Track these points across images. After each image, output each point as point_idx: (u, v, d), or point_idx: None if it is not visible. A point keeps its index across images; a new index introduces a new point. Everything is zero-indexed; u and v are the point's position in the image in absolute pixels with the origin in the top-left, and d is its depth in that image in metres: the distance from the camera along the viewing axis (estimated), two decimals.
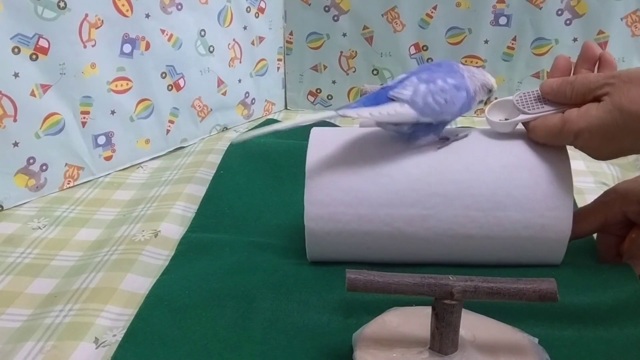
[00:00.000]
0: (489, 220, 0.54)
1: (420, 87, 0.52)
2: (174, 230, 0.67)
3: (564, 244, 0.55)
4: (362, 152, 0.56)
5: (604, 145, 0.51)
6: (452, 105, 0.53)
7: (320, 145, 0.57)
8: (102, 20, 0.80)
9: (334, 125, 0.96)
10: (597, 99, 0.50)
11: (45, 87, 0.76)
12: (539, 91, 0.55)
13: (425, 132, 0.55)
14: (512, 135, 0.56)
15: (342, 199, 0.54)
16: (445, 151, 0.55)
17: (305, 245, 0.57)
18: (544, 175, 0.54)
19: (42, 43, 0.74)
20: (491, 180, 0.54)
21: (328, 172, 0.55)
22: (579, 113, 0.50)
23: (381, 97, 0.53)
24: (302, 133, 0.58)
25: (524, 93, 0.56)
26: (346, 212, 0.54)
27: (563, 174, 0.54)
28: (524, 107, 0.55)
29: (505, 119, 0.56)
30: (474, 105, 0.56)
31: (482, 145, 0.56)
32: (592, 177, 0.75)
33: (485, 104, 0.58)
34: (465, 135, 0.57)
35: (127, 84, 0.86)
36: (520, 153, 0.55)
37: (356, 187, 0.54)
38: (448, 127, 0.56)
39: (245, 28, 1.02)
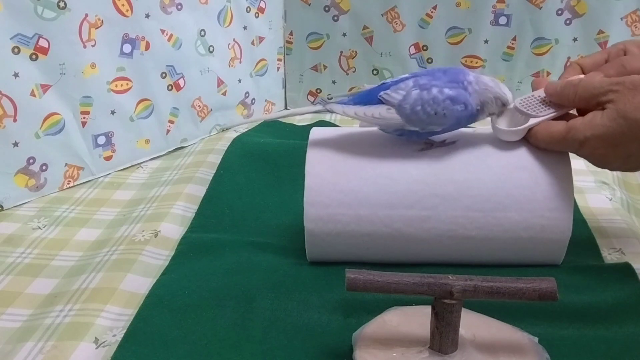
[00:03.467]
0: (488, 221, 0.54)
1: (412, 93, 0.51)
2: (174, 230, 0.67)
3: (564, 245, 0.55)
4: (361, 153, 0.56)
5: (609, 153, 0.50)
6: (442, 118, 0.52)
7: (320, 146, 0.57)
8: (102, 20, 0.80)
9: (334, 125, 0.97)
10: (601, 105, 0.50)
11: (45, 87, 0.76)
12: (539, 94, 0.55)
13: (410, 137, 0.54)
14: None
15: (341, 200, 0.54)
16: (445, 152, 0.55)
17: (305, 245, 0.57)
18: (544, 176, 0.54)
19: (42, 43, 0.74)
20: (491, 181, 0.54)
21: (328, 173, 0.55)
22: (584, 121, 0.50)
23: (372, 97, 0.53)
24: (302, 133, 0.58)
25: (525, 98, 0.55)
26: (346, 214, 0.54)
27: (563, 175, 0.54)
28: (530, 110, 0.54)
29: (514, 126, 0.55)
30: (481, 117, 0.54)
31: (481, 145, 0.56)
32: (592, 177, 0.75)
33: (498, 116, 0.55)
34: (453, 142, 0.56)
35: (127, 84, 0.86)
36: (520, 153, 0.55)
37: (356, 188, 0.54)
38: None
39: (245, 28, 1.02)
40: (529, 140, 0.55)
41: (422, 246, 0.55)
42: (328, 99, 0.53)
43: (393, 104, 0.51)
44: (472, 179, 0.54)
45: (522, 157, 0.55)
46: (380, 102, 0.52)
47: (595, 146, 0.50)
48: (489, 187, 0.54)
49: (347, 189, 0.54)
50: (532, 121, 0.54)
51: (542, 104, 0.54)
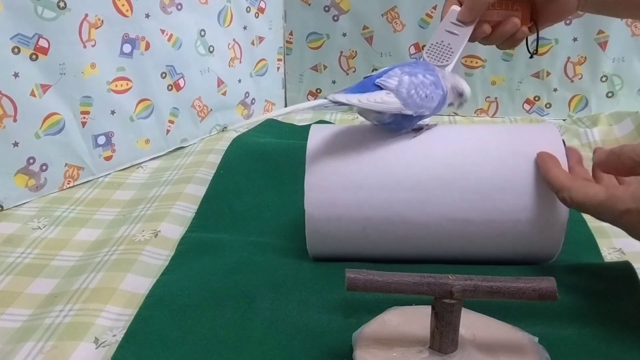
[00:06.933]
0: (486, 203, 0.54)
1: (404, 78, 0.53)
2: (174, 230, 0.67)
3: (562, 228, 0.55)
4: (360, 141, 0.57)
5: None
6: (430, 101, 0.54)
7: (320, 136, 0.58)
8: (102, 20, 0.80)
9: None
10: None
11: (45, 87, 0.76)
12: (439, 39, 0.59)
13: (402, 124, 0.56)
14: (506, 126, 0.58)
15: (341, 183, 0.55)
16: (442, 139, 0.56)
17: (305, 245, 0.57)
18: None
19: (42, 43, 0.74)
20: (488, 165, 0.54)
21: (327, 158, 0.56)
22: (627, 192, 0.46)
23: (367, 85, 0.54)
24: (302, 133, 0.58)
25: (428, 50, 0.60)
26: (345, 197, 0.55)
27: (558, 157, 0.54)
28: (442, 61, 0.58)
29: None
30: (445, 106, 0.57)
31: (476, 135, 0.57)
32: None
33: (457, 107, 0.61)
34: (435, 125, 0.58)
35: (127, 84, 0.86)
36: (514, 141, 0.56)
37: (355, 171, 0.55)
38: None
39: (245, 28, 1.02)
40: (562, 197, 0.51)
41: (422, 231, 0.55)
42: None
43: (391, 89, 0.53)
44: (469, 162, 0.55)
45: (517, 143, 0.56)
46: (378, 88, 0.53)
47: (638, 219, 0.46)
48: (485, 170, 0.54)
49: (347, 172, 0.55)
50: (448, 70, 0.58)
51: (447, 49, 0.59)
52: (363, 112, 0.55)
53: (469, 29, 0.60)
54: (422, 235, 0.56)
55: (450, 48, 0.60)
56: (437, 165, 0.55)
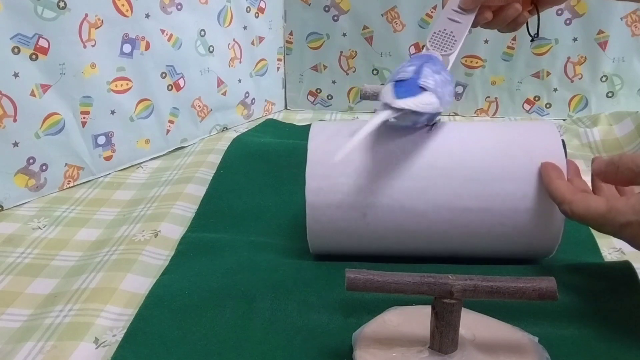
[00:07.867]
0: (486, 191, 0.54)
1: (436, 77, 0.53)
2: (174, 230, 0.67)
3: (561, 218, 0.54)
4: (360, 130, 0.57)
5: None
6: (450, 97, 0.55)
7: (322, 127, 0.59)
8: (102, 20, 0.80)
9: None
10: None
11: (45, 87, 0.76)
12: (440, 27, 0.60)
13: (426, 121, 0.55)
14: (505, 122, 0.58)
15: (342, 170, 0.55)
16: (439, 131, 0.57)
17: (305, 245, 0.57)
18: (536, 150, 0.55)
19: (42, 43, 0.74)
20: (486, 154, 0.55)
21: (329, 146, 0.56)
22: (628, 204, 0.46)
23: (414, 88, 0.52)
24: (302, 133, 0.58)
25: (431, 38, 0.60)
26: (346, 183, 0.55)
27: (554, 148, 0.55)
28: (446, 50, 0.59)
29: None
30: None
31: (472, 127, 0.58)
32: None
33: None
34: (439, 120, 0.59)
35: (127, 84, 0.86)
36: (510, 132, 0.57)
37: (356, 159, 0.55)
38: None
39: (245, 28, 1.02)
40: (563, 210, 0.50)
41: (422, 219, 0.55)
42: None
43: (432, 89, 0.52)
44: (468, 153, 0.55)
45: (513, 134, 0.56)
46: (423, 90, 0.52)
47: (639, 232, 0.45)
48: (484, 159, 0.55)
49: (348, 159, 0.55)
50: (452, 58, 0.58)
51: (450, 37, 0.59)
52: (399, 117, 0.52)
53: (471, 16, 0.60)
54: (422, 224, 0.56)
55: (453, 36, 0.60)
56: (437, 155, 0.55)
